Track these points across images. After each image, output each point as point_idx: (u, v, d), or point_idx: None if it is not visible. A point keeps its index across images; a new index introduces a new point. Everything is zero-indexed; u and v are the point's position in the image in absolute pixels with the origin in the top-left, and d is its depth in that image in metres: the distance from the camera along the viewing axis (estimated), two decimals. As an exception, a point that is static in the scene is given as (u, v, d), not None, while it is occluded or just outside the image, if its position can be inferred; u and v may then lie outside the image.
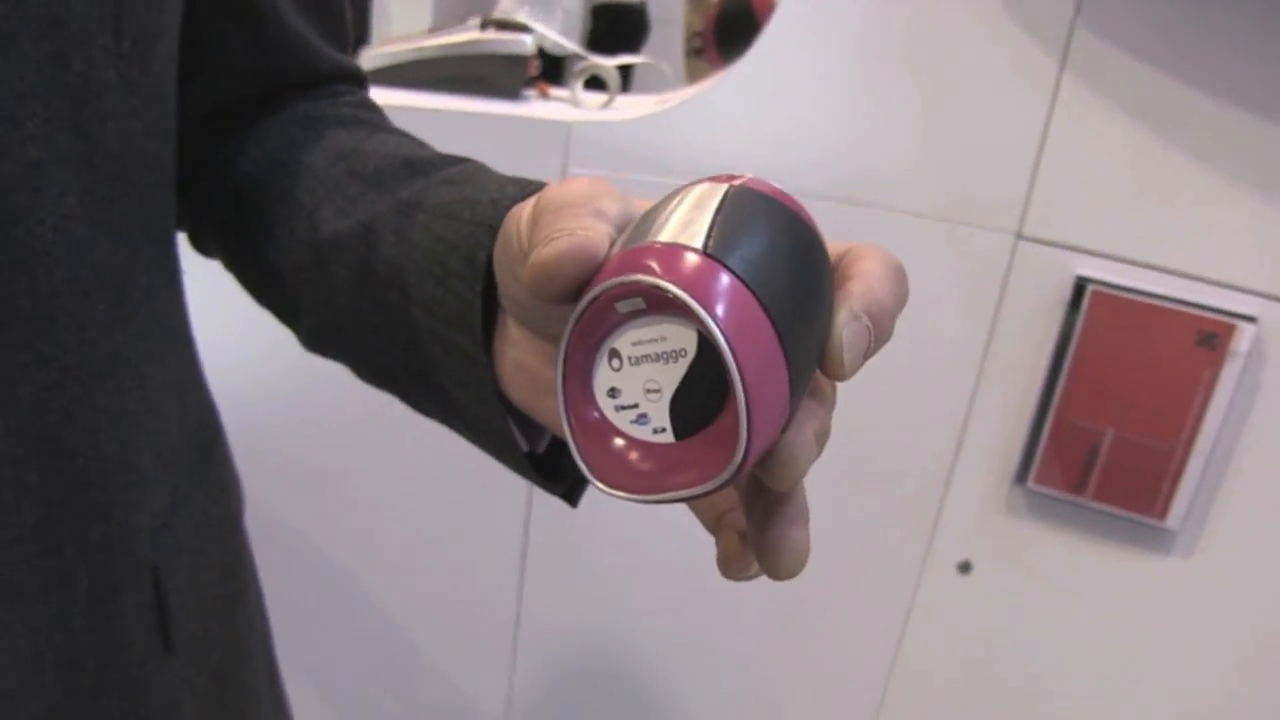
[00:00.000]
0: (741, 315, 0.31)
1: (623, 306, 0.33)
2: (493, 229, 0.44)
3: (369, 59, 1.34)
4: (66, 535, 0.48)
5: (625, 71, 1.67)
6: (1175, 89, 1.21)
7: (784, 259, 0.33)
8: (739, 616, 1.59)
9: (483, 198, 0.47)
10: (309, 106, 0.62)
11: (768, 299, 0.32)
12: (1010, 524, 1.43)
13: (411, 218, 0.50)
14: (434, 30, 1.41)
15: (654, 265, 0.31)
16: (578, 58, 1.44)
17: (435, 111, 1.27)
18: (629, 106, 1.43)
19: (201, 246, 0.66)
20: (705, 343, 0.31)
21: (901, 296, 0.37)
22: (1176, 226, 1.26)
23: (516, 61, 1.36)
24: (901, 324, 0.38)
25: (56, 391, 0.46)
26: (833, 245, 0.38)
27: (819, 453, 0.36)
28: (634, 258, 0.32)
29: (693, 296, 0.30)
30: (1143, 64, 1.22)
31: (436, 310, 0.47)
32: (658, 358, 0.33)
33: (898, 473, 1.46)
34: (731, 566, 0.42)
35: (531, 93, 1.43)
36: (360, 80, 0.68)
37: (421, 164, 0.54)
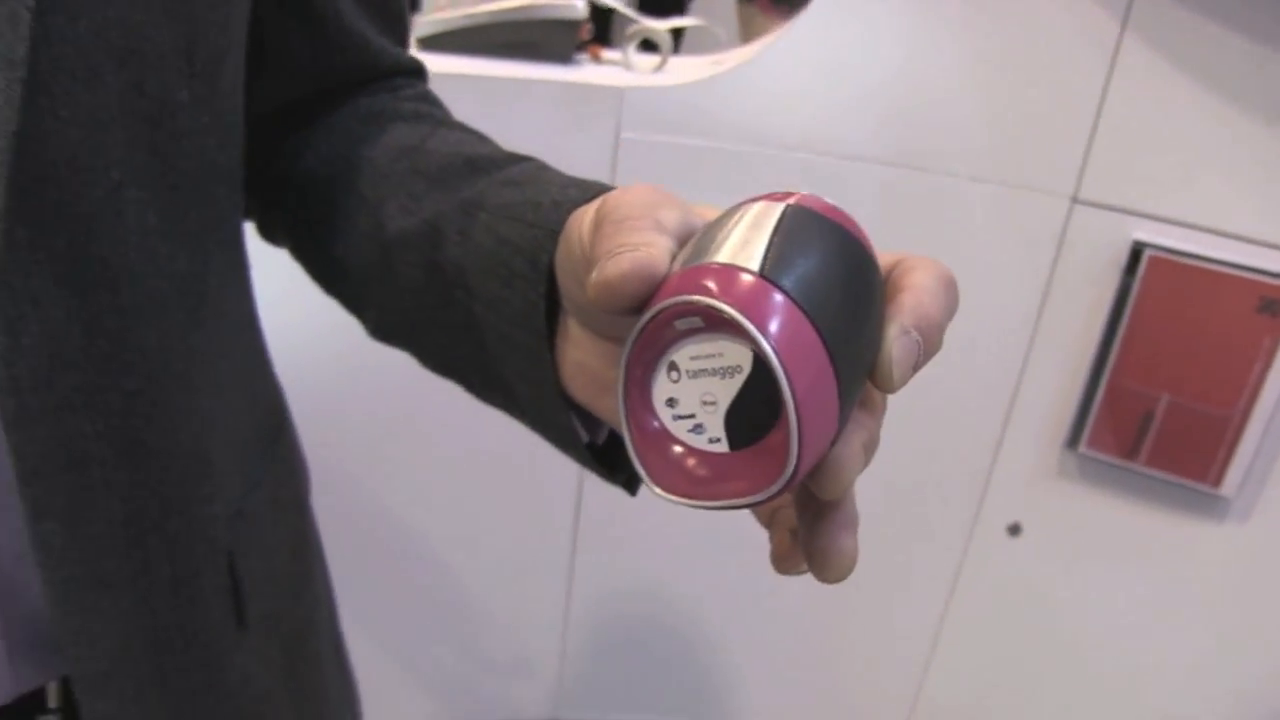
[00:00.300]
0: (794, 336, 0.32)
1: (681, 324, 0.34)
2: (554, 233, 0.45)
3: (421, 26, 1.34)
4: (149, 527, 0.51)
5: (677, 33, 1.66)
6: (1241, 47, 1.19)
7: (836, 279, 0.34)
8: (790, 580, 1.60)
9: (544, 200, 0.48)
10: (370, 101, 0.63)
11: (820, 319, 0.32)
12: (1061, 488, 1.43)
13: (475, 217, 0.51)
14: (486, -6, 1.41)
15: (712, 286, 0.32)
16: (629, 20, 1.43)
17: (489, 79, 1.28)
18: (682, 69, 1.42)
19: (269, 236, 0.68)
20: (759, 361, 0.32)
21: (951, 308, 0.38)
22: (1238, 190, 1.24)
23: (568, 26, 1.36)
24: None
25: (140, 397, 0.49)
26: (884, 256, 0.38)
27: (867, 462, 0.37)
28: (693, 277, 0.33)
29: (748, 318, 0.31)
30: (1208, 22, 1.20)
31: (501, 309, 0.48)
32: (714, 372, 0.34)
33: (949, 436, 1.46)
34: (783, 563, 0.43)
35: (584, 56, 1.43)
36: (420, 73, 0.68)
37: (483, 162, 0.55)
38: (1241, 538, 1.35)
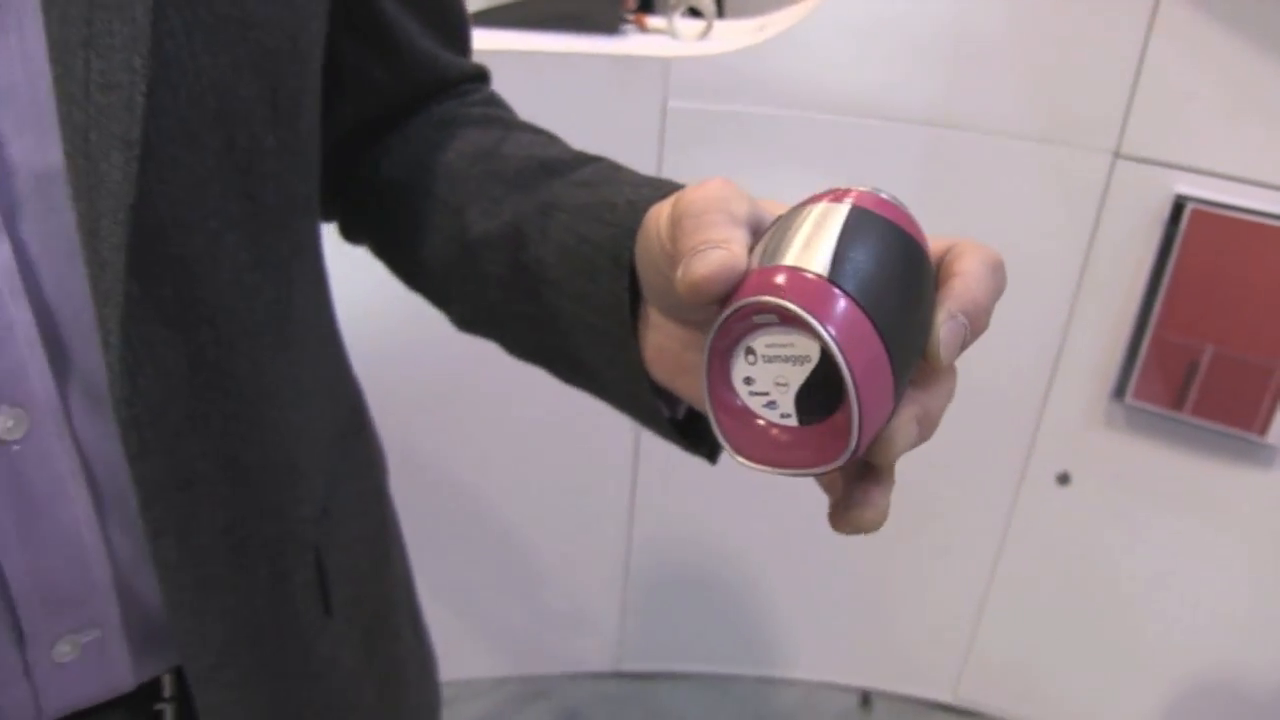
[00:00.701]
0: (853, 332, 0.37)
1: (758, 318, 0.39)
2: (632, 231, 0.48)
3: (472, 2, 1.37)
4: (247, 534, 0.56)
5: (721, -2, 1.68)
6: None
7: (891, 275, 0.38)
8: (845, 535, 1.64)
9: (619, 200, 0.51)
10: (442, 110, 0.66)
11: (876, 315, 0.37)
12: (1108, 437, 1.45)
13: (554, 218, 0.54)
14: (533, -32, 1.43)
15: (784, 286, 0.37)
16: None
17: (536, 54, 1.31)
18: (727, 35, 1.45)
19: (351, 237, 0.72)
20: (825, 354, 0.37)
21: (998, 290, 0.42)
22: (1278, 142, 1.26)
23: (614, -3, 1.39)
24: (1000, 243, 0.43)
25: (237, 418, 0.54)
26: (937, 241, 0.42)
27: (922, 434, 0.41)
28: (768, 276, 0.38)
29: (815, 318, 0.36)
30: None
31: (587, 302, 0.52)
32: (787, 359, 0.39)
33: (997, 389, 1.48)
34: (840, 523, 0.47)
35: (630, 25, 1.46)
36: (484, 77, 0.71)
37: (557, 165, 0.58)
38: (1287, 484, 1.38)
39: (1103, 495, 1.49)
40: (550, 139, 0.63)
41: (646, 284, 0.48)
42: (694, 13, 1.46)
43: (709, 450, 0.54)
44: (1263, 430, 1.34)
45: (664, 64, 1.33)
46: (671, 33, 1.42)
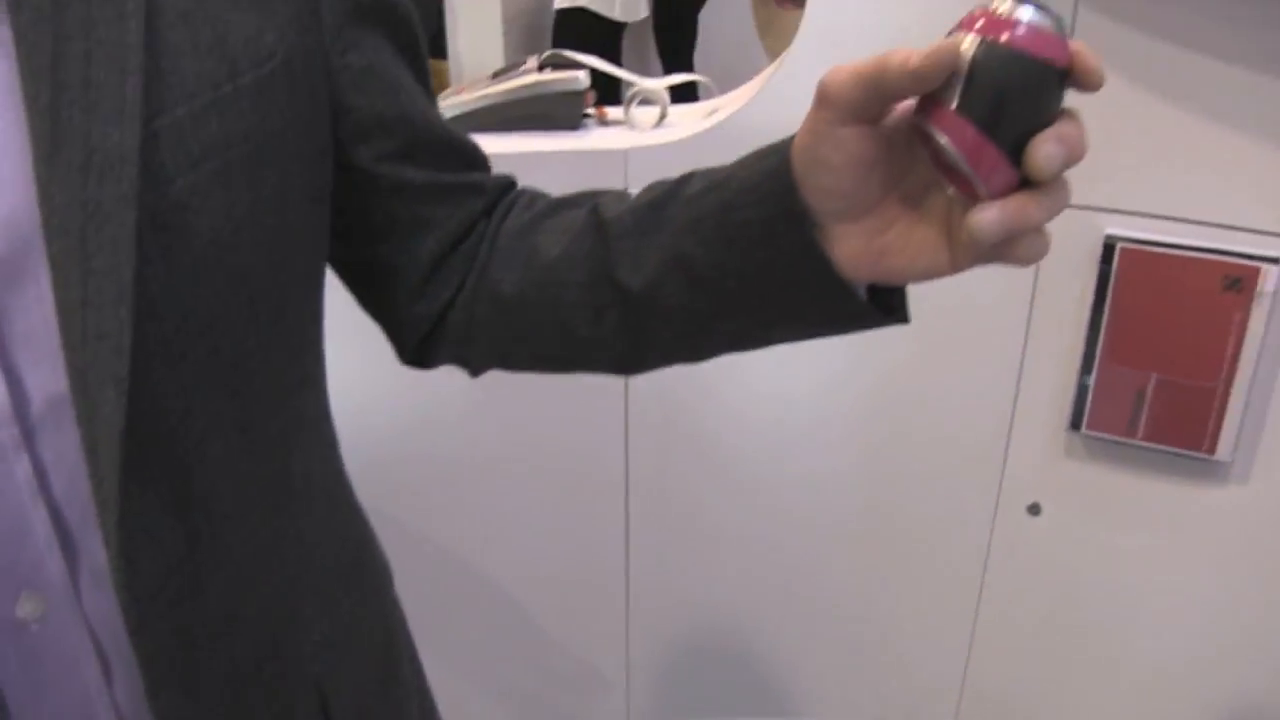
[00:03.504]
0: (965, 135, 0.51)
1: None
2: (786, 183, 0.57)
3: (443, 110, 1.48)
4: (248, 679, 0.63)
5: (685, 86, 1.79)
6: (1176, 52, 1.30)
7: (1006, 95, 0.50)
8: (831, 573, 1.73)
9: (748, 178, 0.59)
10: (513, 222, 0.72)
11: (985, 125, 0.50)
12: (1071, 467, 1.54)
13: (701, 230, 0.61)
14: (498, 75, 1.54)
15: (931, 110, 0.52)
16: (628, 84, 1.57)
17: (504, 155, 1.41)
18: (682, 119, 1.56)
19: (480, 371, 0.77)
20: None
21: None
22: (1195, 180, 1.35)
23: (574, 97, 1.49)
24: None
25: (235, 581, 0.61)
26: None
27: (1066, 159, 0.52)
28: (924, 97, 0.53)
29: (940, 129, 0.52)
30: (1144, 34, 1.31)
31: (776, 266, 0.59)
32: None
33: (964, 427, 1.57)
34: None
35: (591, 118, 1.57)
36: (514, 181, 0.78)
37: (659, 199, 0.64)
38: (1242, 497, 1.46)
39: (1072, 523, 1.57)
40: (620, 191, 0.71)
41: (821, 205, 0.57)
42: (648, 101, 1.57)
43: (902, 314, 0.63)
44: (1211, 448, 1.42)
45: (623, 155, 1.43)
46: (629, 123, 1.53)
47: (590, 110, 1.57)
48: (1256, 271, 1.33)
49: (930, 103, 0.52)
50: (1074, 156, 0.51)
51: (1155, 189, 1.37)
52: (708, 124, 1.47)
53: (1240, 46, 1.27)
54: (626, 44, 5.14)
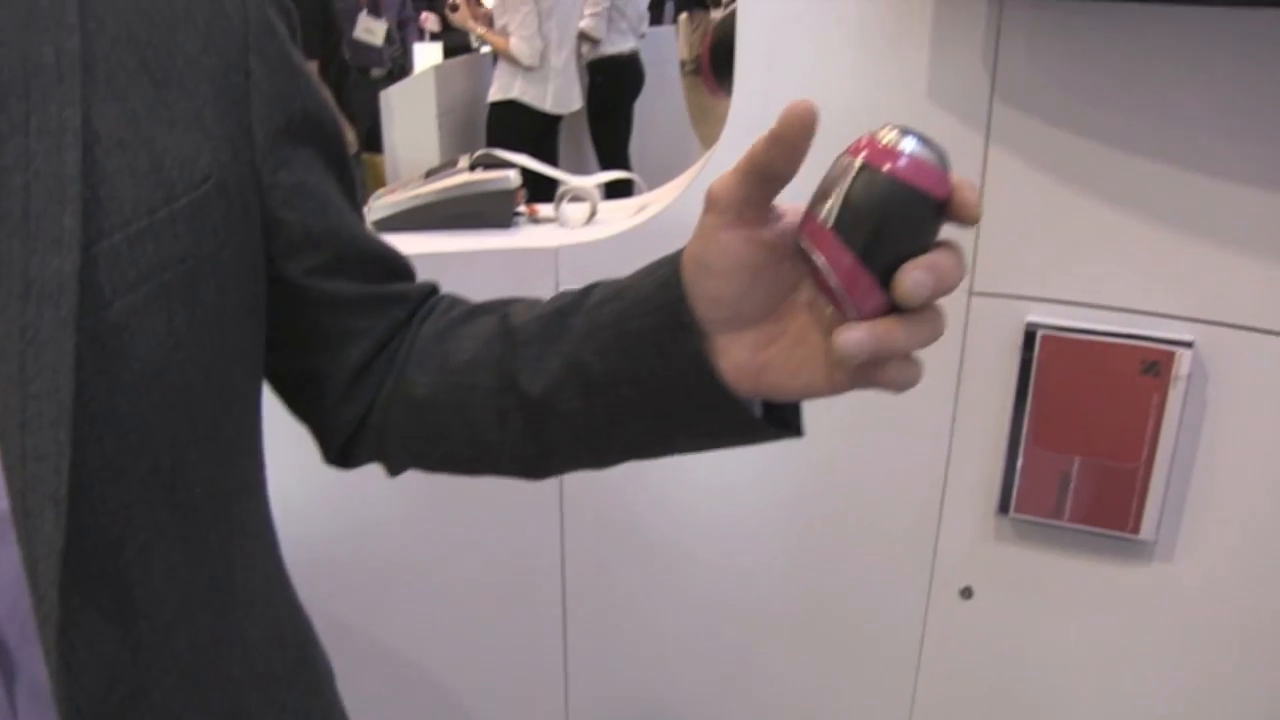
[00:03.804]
0: (837, 256, 0.52)
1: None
2: (676, 294, 0.59)
3: (375, 210, 1.50)
4: None
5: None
6: (1091, 146, 1.35)
7: (877, 219, 0.52)
8: (770, 662, 1.73)
9: (645, 287, 0.61)
10: (431, 327, 0.74)
11: (855, 246, 0.52)
12: (1001, 550, 1.56)
13: (598, 338, 0.63)
14: (431, 174, 1.57)
15: (807, 228, 0.54)
16: (559, 182, 1.60)
17: (438, 255, 1.44)
18: (612, 215, 1.59)
19: (397, 471, 0.78)
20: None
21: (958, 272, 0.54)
22: (1111, 267, 1.40)
23: (505, 195, 1.52)
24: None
25: (178, 688, 0.61)
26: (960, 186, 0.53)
27: (936, 286, 0.52)
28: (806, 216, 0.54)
29: (826, 258, 0.53)
30: (1061, 129, 1.36)
31: (664, 376, 0.61)
32: None
33: (896, 513, 1.60)
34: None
35: (522, 217, 1.59)
36: (436, 288, 0.80)
37: (568, 306, 0.66)
38: (1167, 575, 1.49)
39: (1004, 604, 1.60)
40: (534, 299, 0.72)
41: (708, 314, 0.59)
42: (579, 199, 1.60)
43: (795, 428, 0.64)
44: (1135, 528, 1.45)
45: (553, 252, 1.46)
46: (560, 221, 1.56)
47: (521, 208, 1.59)
48: (1172, 355, 1.37)
49: (810, 221, 0.54)
50: (944, 286, 0.52)
51: (1074, 277, 1.41)
52: (637, 220, 1.50)
53: (1151, 141, 1.32)
54: (564, 134, 5.22)
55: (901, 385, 0.56)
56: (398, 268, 0.77)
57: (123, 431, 0.56)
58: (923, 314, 0.54)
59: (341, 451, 0.78)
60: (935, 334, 0.55)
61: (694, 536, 1.69)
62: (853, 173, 0.52)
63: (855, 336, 0.52)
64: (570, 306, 0.66)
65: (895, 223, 0.52)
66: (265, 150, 0.64)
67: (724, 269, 0.57)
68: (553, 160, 4.98)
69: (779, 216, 0.57)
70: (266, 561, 0.73)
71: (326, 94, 0.71)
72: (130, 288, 0.55)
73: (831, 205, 0.52)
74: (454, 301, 0.78)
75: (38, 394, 0.50)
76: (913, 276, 0.51)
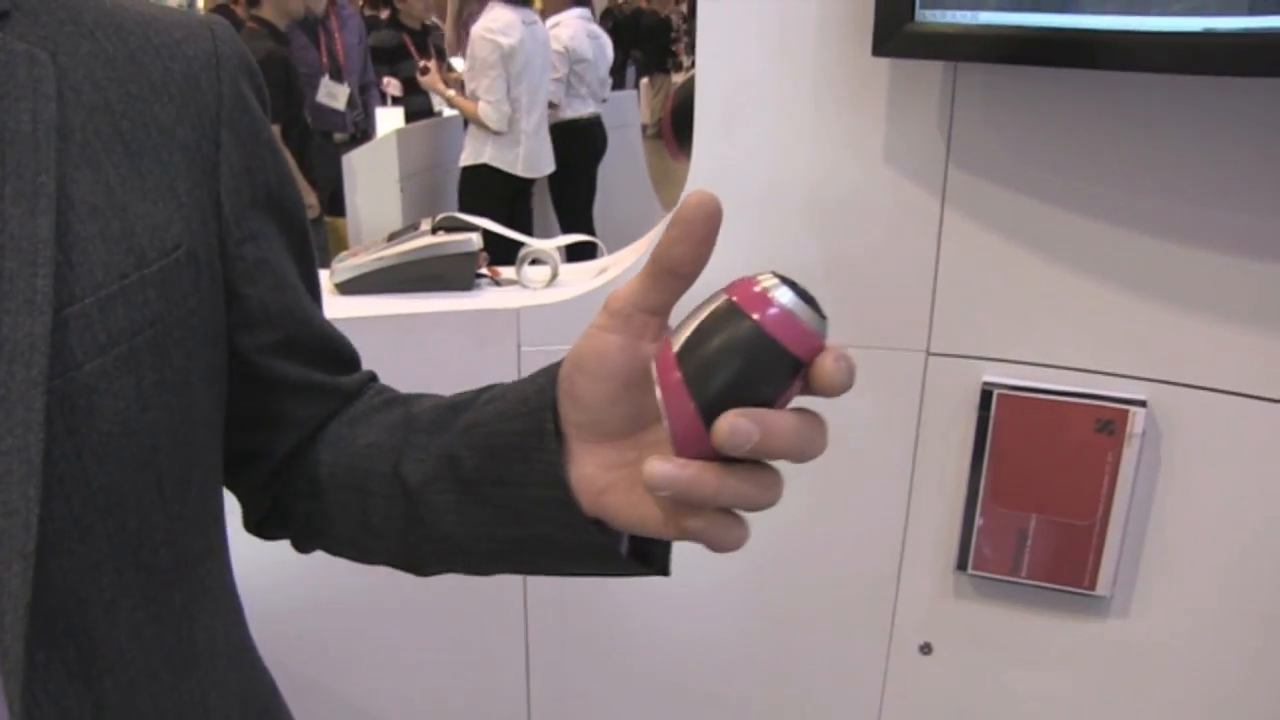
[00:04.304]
0: (675, 395, 0.50)
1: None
2: (548, 400, 0.59)
3: (339, 272, 1.51)
4: None
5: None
6: (1045, 209, 1.39)
7: (720, 359, 0.50)
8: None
9: (527, 392, 0.62)
10: (349, 413, 0.77)
11: (694, 389, 0.50)
12: (959, 607, 1.58)
13: (475, 434, 0.65)
14: (394, 237, 1.58)
15: (661, 352, 0.52)
16: (520, 244, 1.62)
17: (401, 316, 1.45)
18: (573, 278, 1.61)
19: (305, 549, 0.81)
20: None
21: (801, 436, 0.51)
22: (1065, 328, 1.43)
23: (467, 258, 1.54)
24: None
25: None
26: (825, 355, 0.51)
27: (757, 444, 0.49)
28: (665, 340, 0.52)
29: (659, 380, 0.51)
30: (1015, 192, 1.39)
31: (528, 479, 0.61)
32: None
33: (854, 570, 1.61)
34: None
35: (484, 278, 1.61)
36: (374, 376, 0.82)
37: (461, 403, 0.68)
38: (1122, 630, 1.51)
39: (963, 660, 1.61)
40: (444, 396, 0.73)
41: (570, 418, 0.59)
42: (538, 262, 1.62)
43: (659, 566, 0.64)
44: (1092, 584, 1.47)
45: (514, 314, 1.47)
46: (521, 283, 1.57)
47: (483, 270, 1.61)
48: (1126, 414, 1.40)
49: (665, 345, 0.52)
50: (769, 447, 0.49)
51: (1029, 338, 1.44)
52: (598, 283, 1.52)
53: (1104, 205, 1.35)
54: (534, 197, 5.24)
55: (715, 543, 0.53)
56: (345, 357, 0.79)
57: (90, 490, 0.56)
58: (750, 470, 0.51)
59: (258, 525, 0.80)
60: (761, 497, 0.52)
61: (652, 611, 1.70)
62: (714, 305, 0.51)
63: (662, 469, 0.50)
64: (465, 402, 0.68)
65: (737, 366, 0.49)
66: (231, 223, 0.65)
67: (596, 372, 0.57)
68: (527, 223, 5.01)
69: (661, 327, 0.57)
70: (228, 623, 0.73)
71: (291, 165, 0.73)
72: (100, 350, 0.56)
73: (688, 337, 0.50)
74: (380, 390, 0.80)
75: (7, 451, 0.51)
76: (732, 423, 0.48)
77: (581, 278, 1.60)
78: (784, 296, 0.50)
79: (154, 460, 0.60)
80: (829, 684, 1.68)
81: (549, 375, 0.61)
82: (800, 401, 0.52)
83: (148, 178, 0.60)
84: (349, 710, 1.70)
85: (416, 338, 1.45)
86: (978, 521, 1.51)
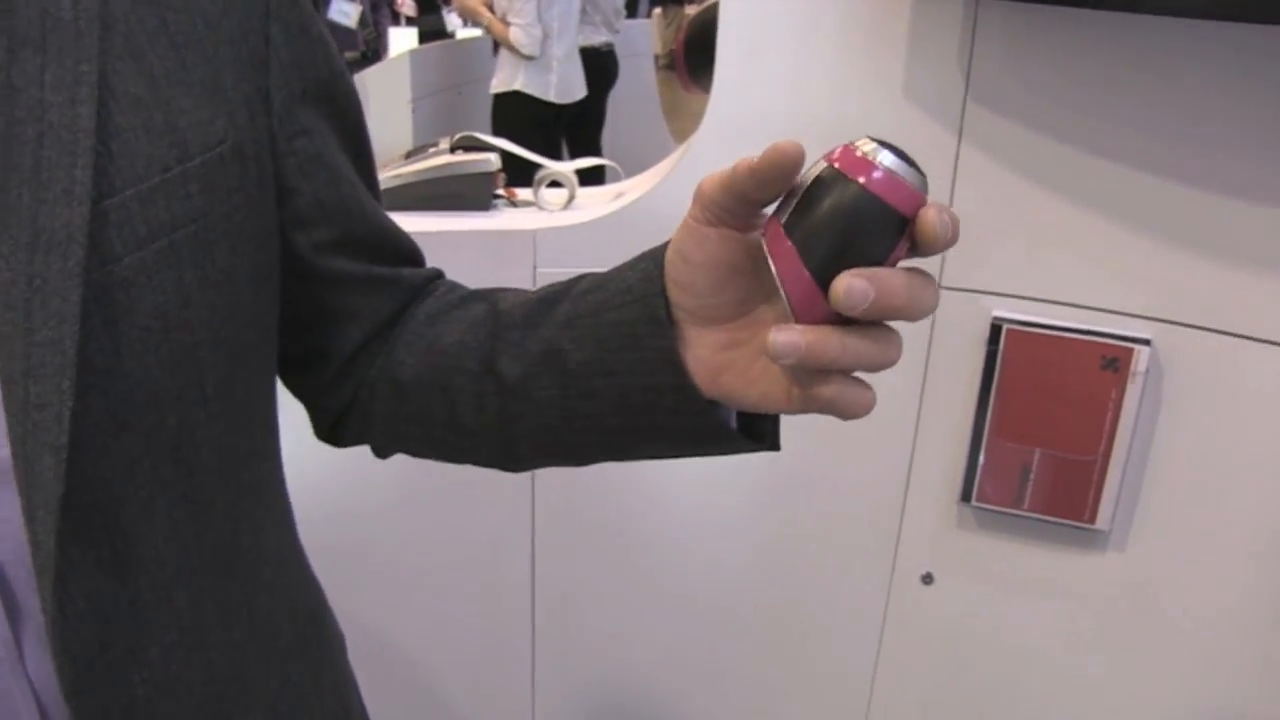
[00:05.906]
0: (788, 262, 0.52)
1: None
2: (655, 288, 0.59)
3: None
4: None
5: (591, 171, 1.85)
6: (1057, 146, 1.39)
7: (826, 224, 0.51)
8: (735, 646, 1.77)
9: (631, 279, 0.61)
10: (424, 309, 0.74)
11: (804, 253, 0.51)
12: (961, 538, 1.60)
13: (578, 327, 0.63)
14: (411, 155, 1.59)
15: (769, 227, 0.53)
16: (538, 166, 1.62)
17: (414, 234, 1.44)
18: (590, 201, 1.61)
19: (385, 454, 0.79)
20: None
21: (913, 293, 0.51)
22: (1074, 266, 1.44)
23: (485, 178, 1.54)
24: None
25: (179, 645, 0.61)
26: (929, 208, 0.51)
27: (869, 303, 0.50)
28: (772, 216, 0.54)
29: (770, 250, 0.53)
30: (1029, 129, 1.40)
31: (639, 368, 0.61)
32: None
33: (860, 501, 1.63)
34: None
35: (501, 200, 1.61)
36: (439, 273, 0.80)
37: (553, 296, 0.66)
38: (1120, 564, 1.53)
39: (964, 590, 1.64)
40: (521, 289, 0.72)
41: (683, 303, 0.59)
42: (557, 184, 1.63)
43: (770, 442, 0.64)
44: (1092, 518, 1.49)
45: (531, 235, 1.48)
46: (538, 205, 1.58)
47: (500, 191, 1.61)
48: (1131, 352, 1.41)
49: (773, 220, 0.53)
50: (888, 304, 0.50)
51: (1039, 274, 1.45)
52: (615, 206, 1.53)
53: (1118, 145, 1.36)
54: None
55: (847, 409, 0.54)
56: (406, 251, 0.77)
57: (128, 386, 0.56)
58: (868, 330, 0.52)
59: (332, 429, 0.79)
60: (883, 357, 0.52)
61: (661, 526, 1.73)
62: (817, 173, 0.52)
63: (785, 338, 0.51)
64: (556, 295, 0.67)
65: (846, 230, 0.50)
66: (282, 116, 0.64)
67: (700, 262, 0.57)
68: (556, 150, 4.96)
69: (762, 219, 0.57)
70: (278, 530, 0.73)
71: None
72: (140, 244, 0.55)
73: (794, 207, 0.52)
74: (453, 286, 0.78)
75: (42, 342, 0.51)
76: (847, 283, 0.49)
77: (598, 201, 1.61)
78: (886, 159, 0.51)
79: (195, 358, 0.59)
80: (832, 610, 1.71)
81: (653, 261, 0.61)
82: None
83: (192, 70, 0.59)
84: (355, 611, 1.73)
85: (432, 256, 1.43)
86: (982, 454, 1.53)
